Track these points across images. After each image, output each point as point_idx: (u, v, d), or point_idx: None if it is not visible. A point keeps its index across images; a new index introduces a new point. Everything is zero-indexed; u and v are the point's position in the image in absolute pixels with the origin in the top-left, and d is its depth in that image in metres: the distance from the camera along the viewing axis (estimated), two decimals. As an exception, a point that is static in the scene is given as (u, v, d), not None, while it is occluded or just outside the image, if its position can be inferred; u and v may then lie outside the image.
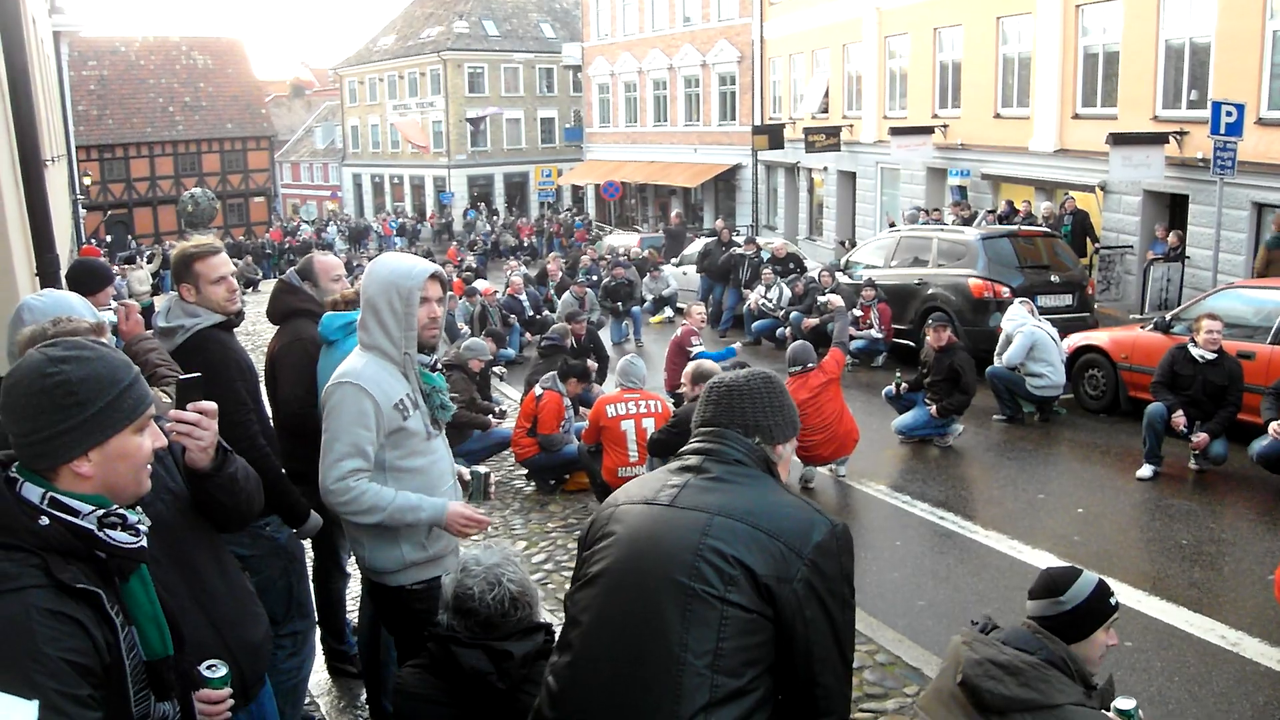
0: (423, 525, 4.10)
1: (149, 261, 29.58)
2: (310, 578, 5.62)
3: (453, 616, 3.72)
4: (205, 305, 4.73)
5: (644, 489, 2.96)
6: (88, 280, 4.68)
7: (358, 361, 4.08)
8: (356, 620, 5.86)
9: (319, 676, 5.88)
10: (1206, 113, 17.18)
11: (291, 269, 6.08)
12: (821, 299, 16.75)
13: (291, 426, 5.36)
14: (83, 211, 33.47)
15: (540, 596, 4.15)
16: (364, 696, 5.53)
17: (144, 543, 2.52)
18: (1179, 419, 9.81)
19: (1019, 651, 3.22)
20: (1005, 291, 14.90)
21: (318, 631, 5.58)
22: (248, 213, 67.49)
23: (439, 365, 4.30)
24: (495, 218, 53.43)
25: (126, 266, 28.84)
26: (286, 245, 46.36)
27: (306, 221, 56.09)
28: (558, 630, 3.08)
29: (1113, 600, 3.46)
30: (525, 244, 43.71)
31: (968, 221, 22.37)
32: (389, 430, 4.03)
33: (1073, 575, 3.48)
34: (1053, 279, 15.65)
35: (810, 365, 10.02)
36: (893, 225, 25.05)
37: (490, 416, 11.08)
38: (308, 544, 5.61)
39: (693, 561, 2.68)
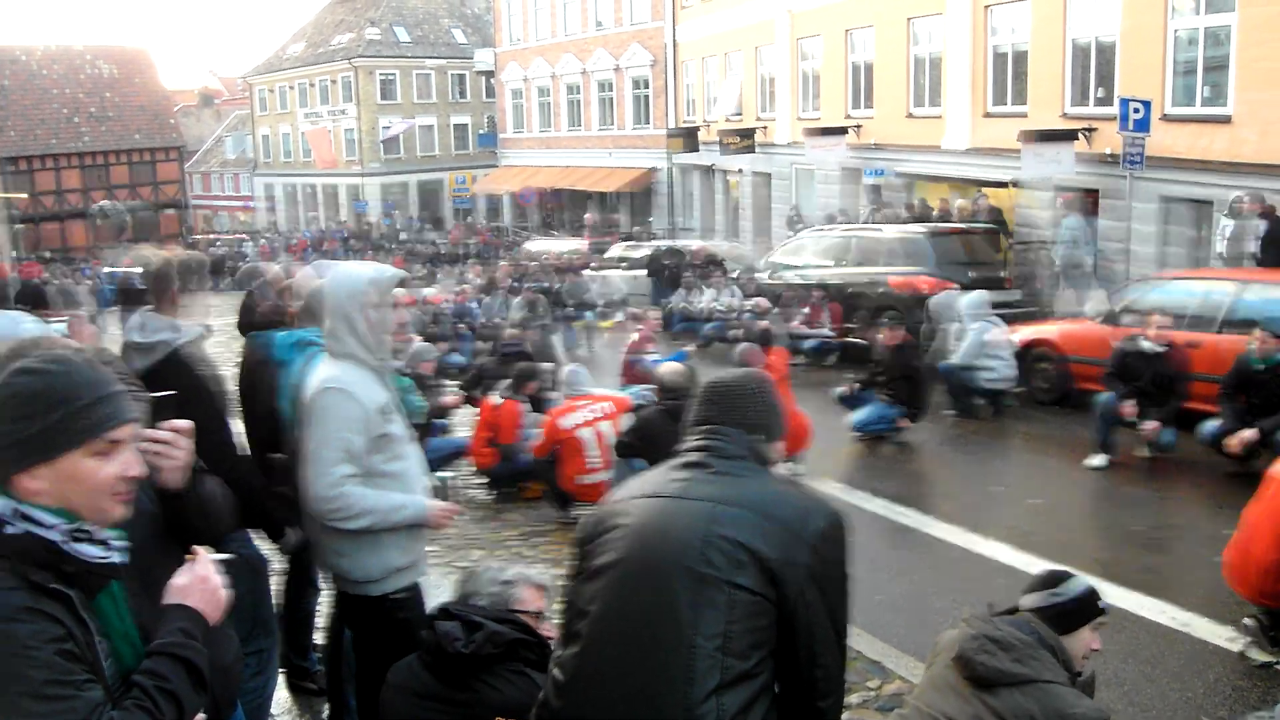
0: (407, 524, 4.11)
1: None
2: (271, 593, 5.57)
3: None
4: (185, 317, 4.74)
5: (648, 484, 3.08)
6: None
7: (336, 368, 4.06)
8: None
9: (278, 694, 5.84)
10: (1114, 109, 17.62)
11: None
12: (749, 302, 16.98)
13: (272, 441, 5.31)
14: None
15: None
16: (326, 713, 5.51)
17: (114, 559, 2.45)
18: (1128, 408, 10.04)
19: (1013, 630, 3.44)
20: (955, 289, 15.10)
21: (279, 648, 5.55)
22: (159, 225, 66.27)
23: (405, 370, 4.35)
24: (412, 221, 52.90)
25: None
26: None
27: (221, 235, 54.58)
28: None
29: (1102, 604, 3.74)
30: (474, 251, 42.70)
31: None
32: (374, 435, 4.02)
33: (1069, 575, 3.81)
34: (1000, 275, 15.95)
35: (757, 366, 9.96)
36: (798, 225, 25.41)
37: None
38: (276, 558, 5.58)
39: (701, 548, 2.79)
